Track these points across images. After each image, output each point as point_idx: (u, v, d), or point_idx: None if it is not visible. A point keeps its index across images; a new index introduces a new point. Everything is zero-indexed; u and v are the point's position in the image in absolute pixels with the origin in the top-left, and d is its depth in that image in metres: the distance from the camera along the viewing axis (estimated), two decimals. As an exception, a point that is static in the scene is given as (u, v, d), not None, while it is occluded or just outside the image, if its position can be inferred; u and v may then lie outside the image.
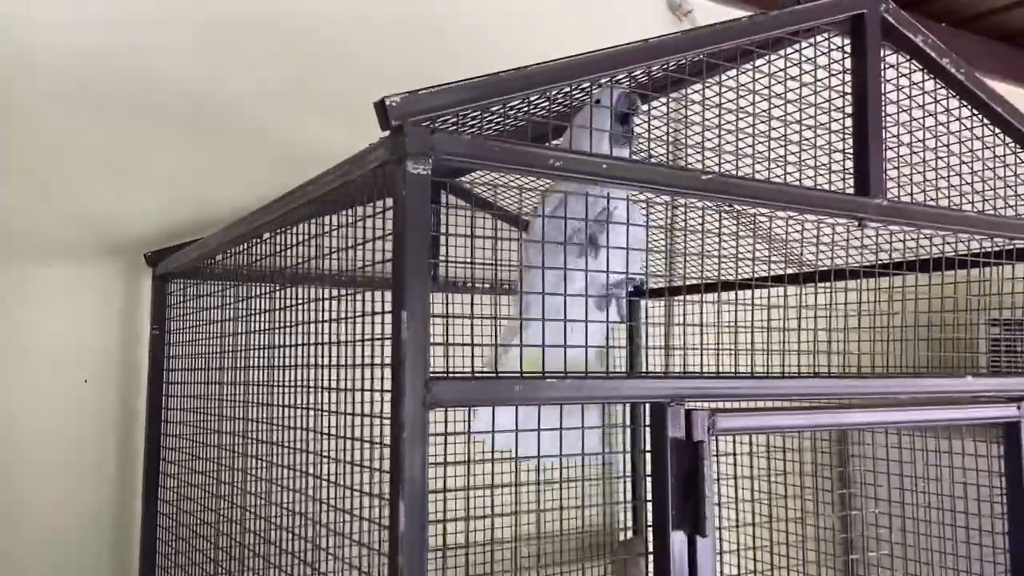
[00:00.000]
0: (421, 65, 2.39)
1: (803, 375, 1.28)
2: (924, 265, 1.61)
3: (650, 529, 1.09)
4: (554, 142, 1.45)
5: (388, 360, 0.92)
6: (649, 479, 1.09)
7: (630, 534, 2.57)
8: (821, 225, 1.44)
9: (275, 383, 1.40)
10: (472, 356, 1.61)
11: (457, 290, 2.22)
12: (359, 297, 1.13)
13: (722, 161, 1.34)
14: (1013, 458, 1.43)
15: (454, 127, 1.12)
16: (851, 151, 1.30)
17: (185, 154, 2.11)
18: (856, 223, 1.29)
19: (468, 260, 1.97)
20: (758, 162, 1.28)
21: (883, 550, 1.82)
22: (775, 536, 1.86)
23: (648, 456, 1.10)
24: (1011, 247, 1.55)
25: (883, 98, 1.32)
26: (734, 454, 1.76)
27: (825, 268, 1.55)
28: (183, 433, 1.86)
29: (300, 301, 1.30)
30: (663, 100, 1.51)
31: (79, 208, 1.99)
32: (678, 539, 1.06)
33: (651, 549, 1.09)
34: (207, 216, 2.11)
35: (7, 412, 1.88)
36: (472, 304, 2.17)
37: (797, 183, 1.34)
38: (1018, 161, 1.51)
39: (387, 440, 0.92)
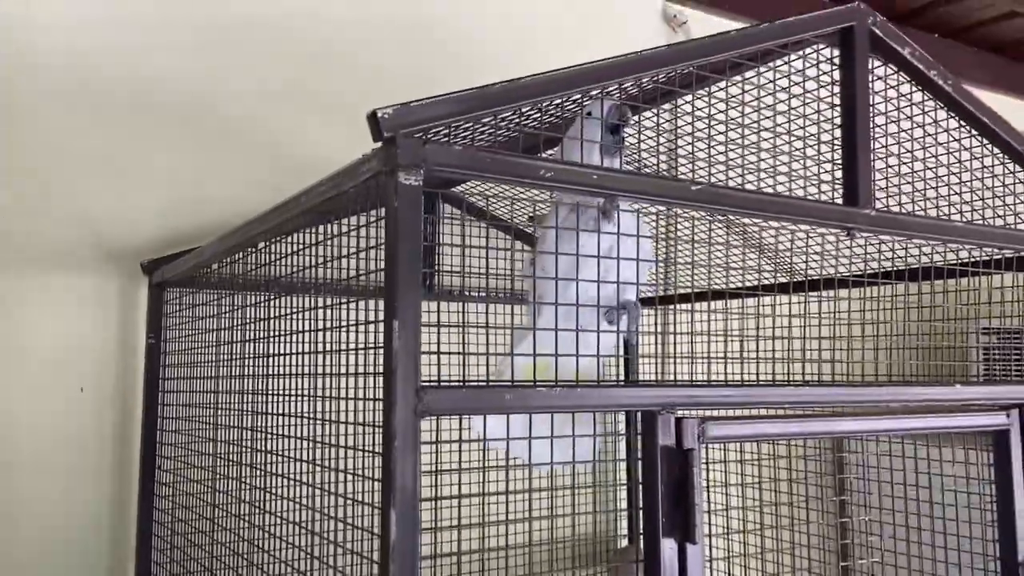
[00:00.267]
0: (420, 67, 2.40)
1: (794, 383, 1.29)
2: (914, 274, 1.62)
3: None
4: (548, 153, 1.46)
5: (381, 369, 0.93)
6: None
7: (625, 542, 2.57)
8: (811, 235, 1.45)
9: (269, 391, 1.40)
10: (481, 364, 1.62)
11: (465, 299, 2.22)
12: (353, 306, 1.14)
13: (713, 172, 1.35)
14: (1003, 466, 1.44)
15: (446, 138, 1.13)
16: (840, 162, 1.32)
17: (185, 154, 2.12)
18: (845, 233, 1.30)
19: (477, 270, 1.97)
20: (749, 172, 1.29)
21: (875, 558, 1.82)
22: (767, 544, 1.87)
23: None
24: (1000, 257, 1.56)
25: (872, 109, 1.33)
26: (724, 461, 1.77)
27: (817, 277, 1.56)
28: (178, 442, 1.87)
29: (295, 310, 1.31)
30: (654, 111, 1.53)
31: (77, 210, 1.99)
32: (668, 546, 1.07)
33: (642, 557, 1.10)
34: (206, 219, 2.12)
35: (4, 418, 1.88)
36: (467, 313, 2.17)
37: (787, 193, 1.35)
38: (1006, 172, 1.52)
39: (379, 448, 0.92)
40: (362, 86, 2.31)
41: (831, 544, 2.01)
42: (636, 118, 1.49)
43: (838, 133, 1.33)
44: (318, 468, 1.25)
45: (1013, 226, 1.52)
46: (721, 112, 1.30)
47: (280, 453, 1.39)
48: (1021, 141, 1.48)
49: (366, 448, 1.07)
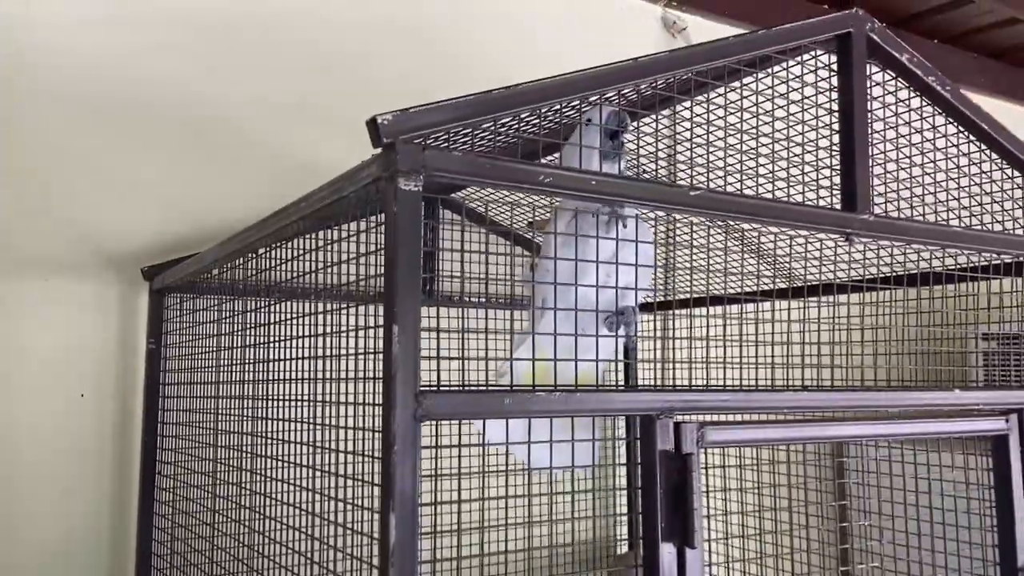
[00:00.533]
0: (420, 76, 2.41)
1: (793, 388, 1.29)
2: (913, 280, 1.62)
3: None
4: (548, 158, 1.47)
5: (380, 374, 0.93)
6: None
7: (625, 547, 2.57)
8: (811, 240, 1.45)
9: (269, 397, 1.41)
10: (481, 369, 1.62)
11: (464, 305, 2.22)
12: (353, 311, 1.14)
13: (712, 177, 1.36)
14: (1002, 470, 1.44)
15: (446, 144, 1.14)
16: (838, 167, 1.32)
17: (185, 159, 2.12)
18: (843, 238, 1.30)
19: (476, 275, 1.97)
20: (748, 178, 1.29)
21: (874, 562, 1.82)
22: (766, 549, 1.87)
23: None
24: (999, 262, 1.56)
25: (870, 115, 1.34)
26: (724, 466, 1.77)
27: (816, 283, 1.56)
28: (178, 447, 1.87)
29: (295, 315, 1.31)
30: (653, 117, 1.53)
31: (78, 215, 1.99)
32: (667, 551, 1.07)
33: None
34: (206, 224, 2.12)
35: (4, 423, 1.88)
36: (466, 318, 2.18)
37: (786, 199, 1.36)
38: (1004, 177, 1.53)
39: (379, 453, 0.93)
40: (362, 96, 2.31)
41: (830, 549, 2.01)
42: (635, 124, 1.50)
43: (836, 139, 1.33)
44: (318, 473, 1.26)
45: (1011, 231, 1.53)
46: (720, 118, 1.30)
47: (280, 458, 1.39)
48: (1019, 146, 1.49)
49: (366, 453, 1.07)
